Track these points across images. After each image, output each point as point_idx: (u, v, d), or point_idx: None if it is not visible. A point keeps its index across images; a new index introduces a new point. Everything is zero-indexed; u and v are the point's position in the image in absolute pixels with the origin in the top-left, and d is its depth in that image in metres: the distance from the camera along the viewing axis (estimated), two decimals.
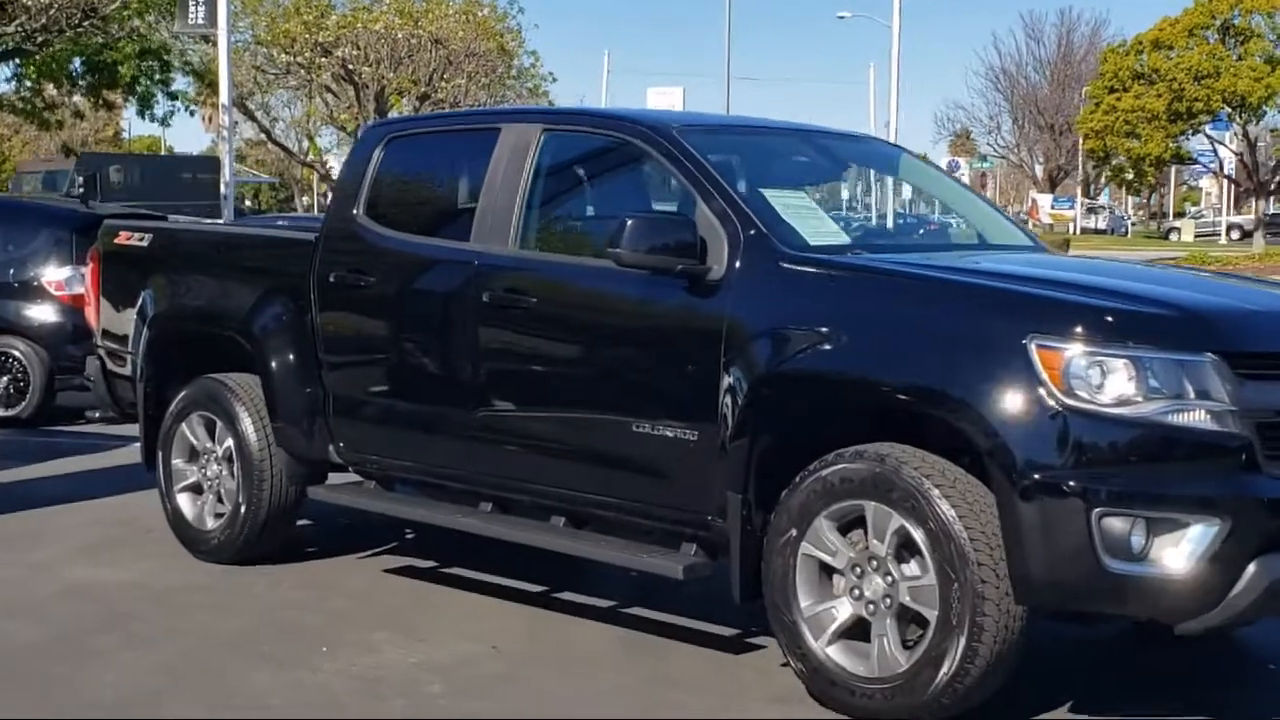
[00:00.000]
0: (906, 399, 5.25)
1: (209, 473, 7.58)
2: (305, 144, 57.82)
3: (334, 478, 7.46)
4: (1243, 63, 52.14)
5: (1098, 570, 4.82)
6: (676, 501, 5.88)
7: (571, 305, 6.29)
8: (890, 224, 11.10)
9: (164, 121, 35.93)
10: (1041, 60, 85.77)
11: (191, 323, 7.80)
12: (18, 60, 29.24)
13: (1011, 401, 4.92)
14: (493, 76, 38.31)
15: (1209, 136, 57.72)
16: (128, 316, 8.03)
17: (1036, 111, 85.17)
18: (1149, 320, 5.04)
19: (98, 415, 8.71)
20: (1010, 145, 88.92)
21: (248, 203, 62.38)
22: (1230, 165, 62.58)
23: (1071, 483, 4.83)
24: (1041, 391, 4.89)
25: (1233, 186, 68.48)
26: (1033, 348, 4.93)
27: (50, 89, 34.44)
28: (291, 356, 7.16)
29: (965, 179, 58.28)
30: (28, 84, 32.99)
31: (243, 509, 7.34)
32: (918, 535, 5.10)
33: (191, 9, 25.97)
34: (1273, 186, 56.65)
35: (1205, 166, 63.93)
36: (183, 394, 7.65)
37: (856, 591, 5.33)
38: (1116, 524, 4.82)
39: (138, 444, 8.11)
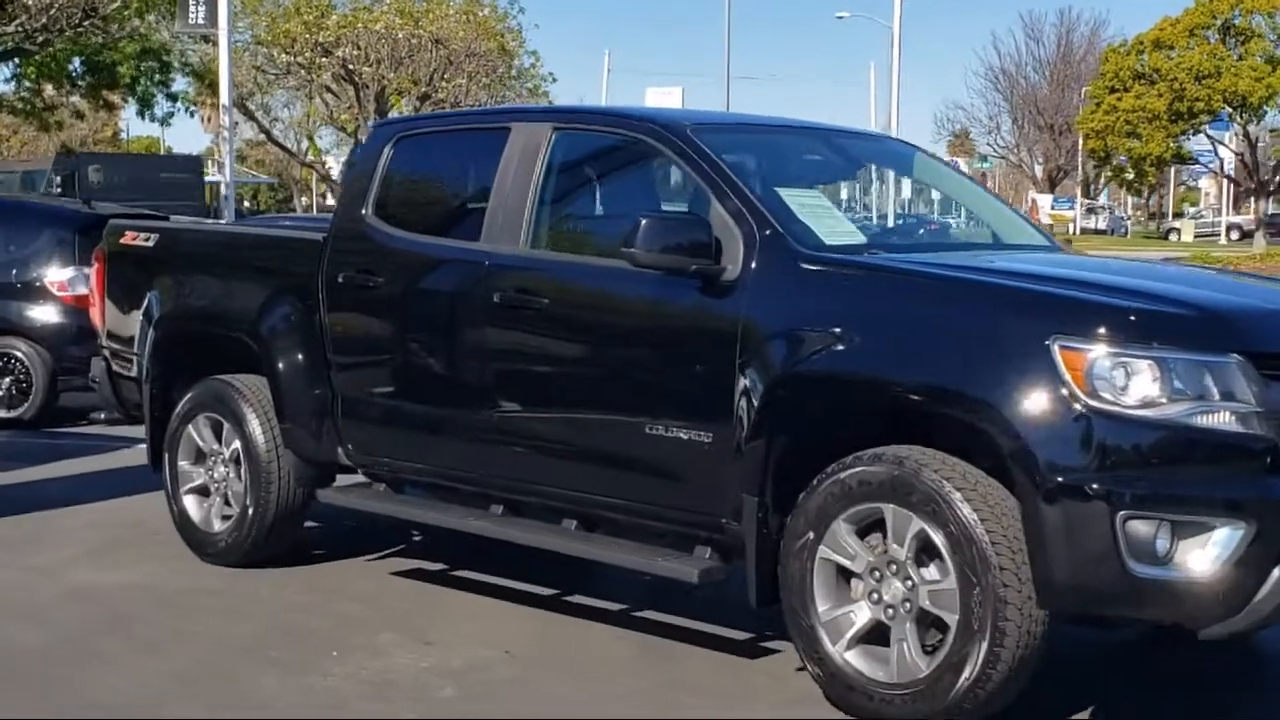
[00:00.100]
0: (926, 401, 5.19)
1: (216, 475, 7.51)
2: (305, 144, 57.74)
3: (341, 479, 7.40)
4: (1243, 62, 52.15)
5: (1122, 574, 4.76)
6: (690, 504, 5.81)
7: (584, 306, 6.22)
8: (900, 223, 11.01)
9: (164, 121, 35.79)
10: (1041, 60, 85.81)
11: (198, 323, 7.72)
12: (17, 60, 29.17)
13: (1034, 403, 4.85)
14: (493, 76, 38.23)
15: (1209, 136, 57.69)
16: (133, 317, 7.96)
17: (1036, 111, 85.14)
18: (1173, 320, 4.98)
19: (103, 417, 8.63)
20: (1010, 145, 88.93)
21: (246, 203, 62.27)
22: (1230, 165, 62.55)
23: (1095, 485, 4.76)
24: (1065, 393, 4.83)
25: (1232, 187, 68.44)
26: (1056, 348, 4.86)
27: (49, 89, 34.35)
28: (299, 357, 7.09)
29: None
30: (27, 84, 32.92)
31: (250, 511, 7.27)
32: (938, 539, 5.03)
33: (192, 9, 25.92)
34: (1273, 187, 56.61)
35: (1205, 167, 63.91)
36: (189, 395, 7.58)
37: (875, 596, 5.26)
38: (1141, 527, 4.75)
39: (142, 445, 8.05)
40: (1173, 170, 78.98)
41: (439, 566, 7.48)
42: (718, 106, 48.38)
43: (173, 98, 35.33)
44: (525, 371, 6.36)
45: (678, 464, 5.78)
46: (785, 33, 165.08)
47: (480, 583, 7.19)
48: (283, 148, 51.42)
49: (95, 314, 8.38)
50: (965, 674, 4.96)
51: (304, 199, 79.80)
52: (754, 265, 5.61)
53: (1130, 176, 60.93)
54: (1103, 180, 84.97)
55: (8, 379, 12.35)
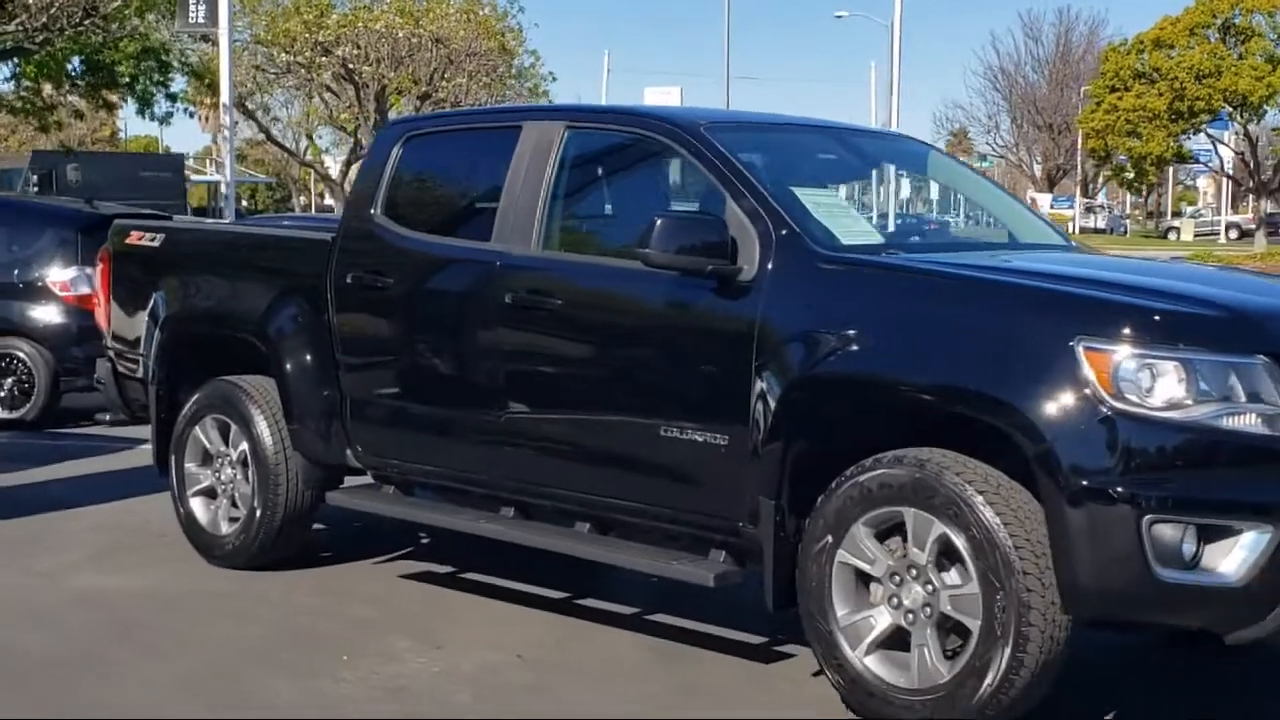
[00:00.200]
0: (947, 403, 5.12)
1: (223, 477, 7.44)
2: (304, 144, 57.64)
3: (349, 481, 7.33)
4: (1244, 62, 52.13)
5: (1148, 579, 4.69)
6: (706, 507, 5.74)
7: (597, 307, 6.14)
8: (899, 223, 10.93)
9: (164, 121, 35.71)
10: (1040, 59, 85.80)
11: (205, 324, 7.66)
12: (16, 60, 29.08)
13: (1059, 405, 4.78)
14: (493, 76, 38.16)
15: (1210, 136, 57.67)
16: (139, 318, 7.89)
17: (1035, 111, 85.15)
18: (1199, 321, 4.92)
19: (108, 418, 8.55)
20: (1009, 144, 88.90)
21: (244, 203, 62.20)
22: (1230, 165, 62.52)
23: (1121, 488, 4.69)
24: (1089, 395, 4.76)
25: (1231, 186, 68.42)
26: (1080, 350, 4.80)
27: (48, 88, 34.25)
28: (308, 358, 7.02)
29: None
30: (26, 83, 32.82)
31: (258, 513, 7.20)
32: (960, 543, 4.96)
33: (192, 8, 25.86)
34: (1274, 186, 56.59)
35: (1206, 166, 63.89)
36: (196, 397, 7.52)
37: (895, 600, 5.19)
38: (1167, 531, 4.69)
39: (146, 446, 8.01)
40: (1171, 169, 78.98)
41: (447, 569, 7.42)
42: (717, 106, 48.29)
43: (172, 98, 35.22)
44: (537, 373, 6.29)
45: (693, 467, 5.72)
46: (785, 33, 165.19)
47: (489, 585, 7.13)
48: (282, 147, 51.30)
49: (100, 315, 8.31)
50: (988, 680, 4.90)
51: (302, 198, 79.70)
52: (770, 266, 5.54)
53: (1130, 176, 60.88)
54: (1101, 179, 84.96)
55: (10, 380, 12.28)
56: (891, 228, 7.94)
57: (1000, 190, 7.49)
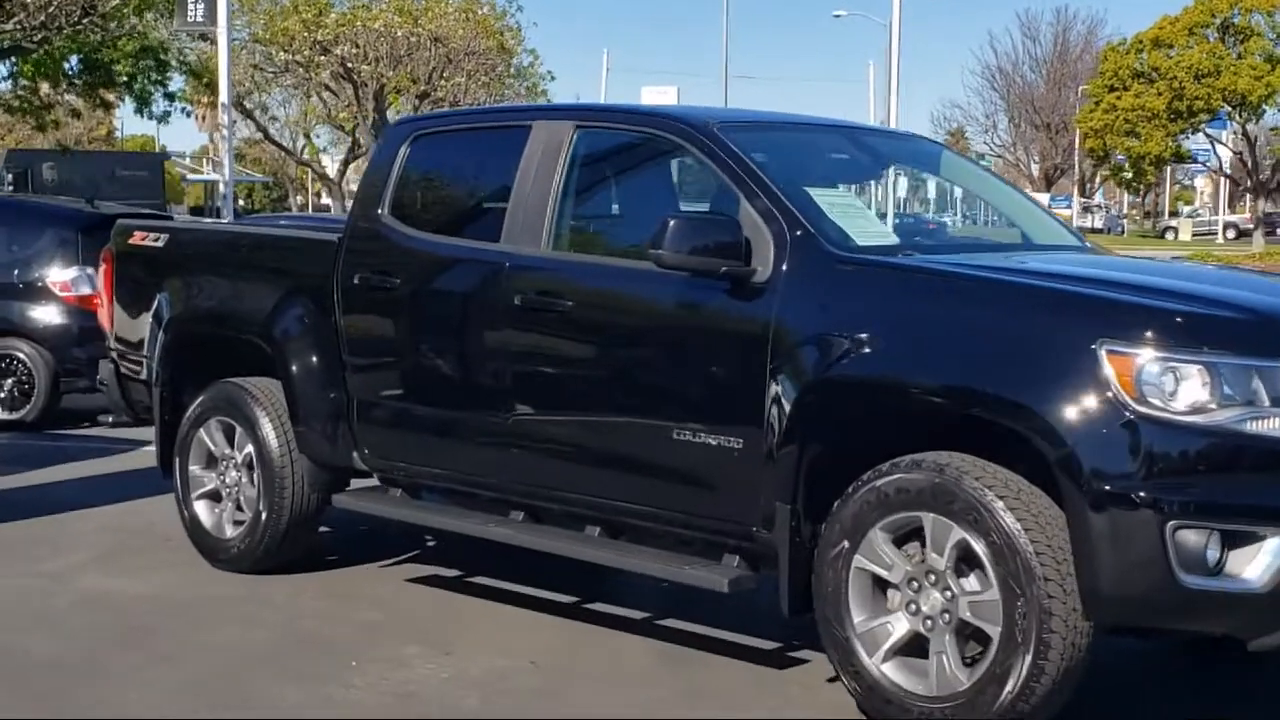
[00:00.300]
0: (965, 406, 5.05)
1: (228, 480, 7.37)
2: (301, 143, 57.55)
3: (355, 484, 7.26)
4: (1243, 61, 52.11)
5: (1172, 585, 4.63)
6: (719, 511, 5.67)
7: (608, 308, 6.07)
8: (896, 223, 10.87)
9: (163, 119, 35.59)
10: (1037, 59, 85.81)
11: (209, 326, 7.58)
12: (14, 58, 28.99)
13: (1081, 409, 4.72)
14: (492, 75, 38.07)
15: (1208, 135, 57.66)
16: (142, 319, 7.82)
17: (1033, 110, 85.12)
18: (1223, 324, 4.86)
19: (111, 420, 8.48)
20: (1006, 144, 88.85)
21: (240, 202, 62.13)
22: (1228, 164, 62.51)
23: (1144, 493, 4.63)
24: (1112, 399, 4.69)
25: (1229, 185, 68.41)
26: (1103, 353, 4.73)
27: (45, 87, 34.14)
28: (314, 360, 6.95)
29: None
30: (23, 82, 32.72)
31: (263, 517, 7.13)
32: (980, 548, 4.89)
33: (190, 7, 25.77)
34: (1272, 185, 56.59)
35: (1204, 165, 63.88)
36: (200, 399, 7.44)
37: (913, 606, 5.12)
38: (1191, 537, 4.63)
39: (148, 447, 7.94)
40: (1169, 169, 79.01)
41: (455, 573, 7.35)
42: (716, 105, 48.20)
43: (170, 97, 35.11)
44: (547, 375, 6.22)
45: (706, 470, 5.65)
46: (783, 32, 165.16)
47: (497, 589, 7.06)
48: (280, 146, 51.24)
49: (103, 316, 8.24)
50: (1008, 687, 4.83)
51: (299, 198, 79.63)
52: (785, 267, 5.48)
53: (1129, 176, 60.86)
54: (1099, 179, 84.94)
55: (10, 381, 12.20)
56: (909, 228, 7.86)
57: (1014, 190, 7.42)
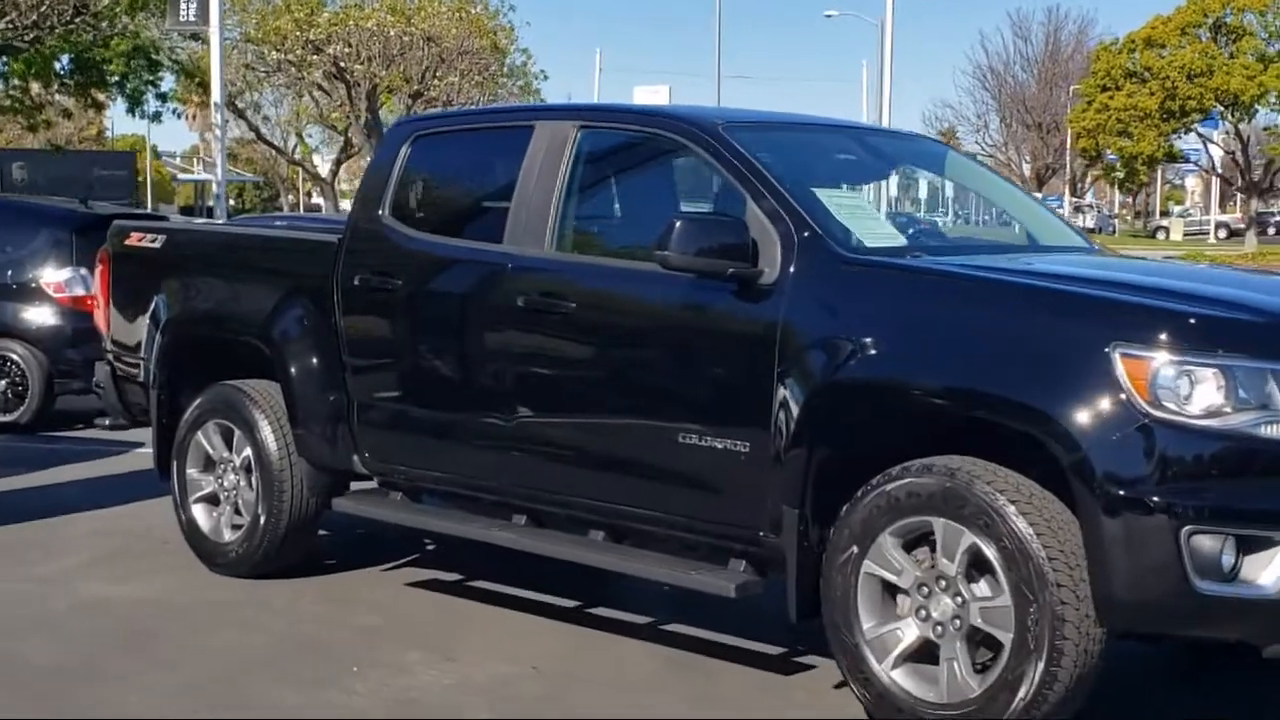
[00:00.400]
0: (976, 410, 4.99)
1: (226, 483, 7.30)
2: (293, 142, 57.42)
3: (354, 487, 7.20)
4: (1235, 61, 52.19)
5: (1186, 591, 4.57)
6: (726, 516, 5.61)
7: (612, 309, 6.01)
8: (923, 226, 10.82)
9: (155, 118, 35.43)
10: (1029, 59, 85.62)
11: (207, 327, 7.51)
12: (4, 58, 28.88)
13: (1095, 413, 4.66)
14: (485, 75, 37.98)
15: (1200, 135, 57.74)
16: (139, 321, 7.74)
17: (1024, 110, 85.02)
18: (1238, 326, 4.80)
19: (108, 423, 8.39)
20: (998, 144, 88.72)
21: (230, 202, 62.01)
22: (1219, 164, 62.58)
23: (1158, 498, 4.57)
24: (1127, 402, 4.64)
25: (1220, 185, 68.49)
26: (1116, 356, 4.68)
27: (36, 88, 34.03)
28: (314, 362, 6.88)
29: None
30: (14, 82, 32.62)
31: (262, 520, 7.06)
32: (991, 554, 4.84)
33: (183, 6, 25.62)
34: (1264, 185, 56.69)
35: (1196, 165, 63.96)
36: (198, 401, 7.37)
37: (923, 612, 5.07)
38: (1206, 542, 4.57)
39: (143, 450, 7.88)
40: (1159, 169, 79.07)
41: (455, 577, 7.29)
42: (709, 106, 48.09)
43: (162, 97, 35.02)
44: (550, 378, 6.16)
45: (712, 474, 5.59)
46: (776, 32, 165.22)
47: (498, 594, 7.00)
48: (272, 146, 51.13)
49: (100, 317, 8.15)
50: (1021, 694, 4.78)
51: (290, 197, 79.50)
52: (792, 269, 5.42)
53: (1121, 175, 60.92)
54: (1090, 179, 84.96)
55: (3, 382, 12.14)
56: (917, 229, 7.78)
57: (1020, 191, 7.37)
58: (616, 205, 6.64)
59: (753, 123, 6.38)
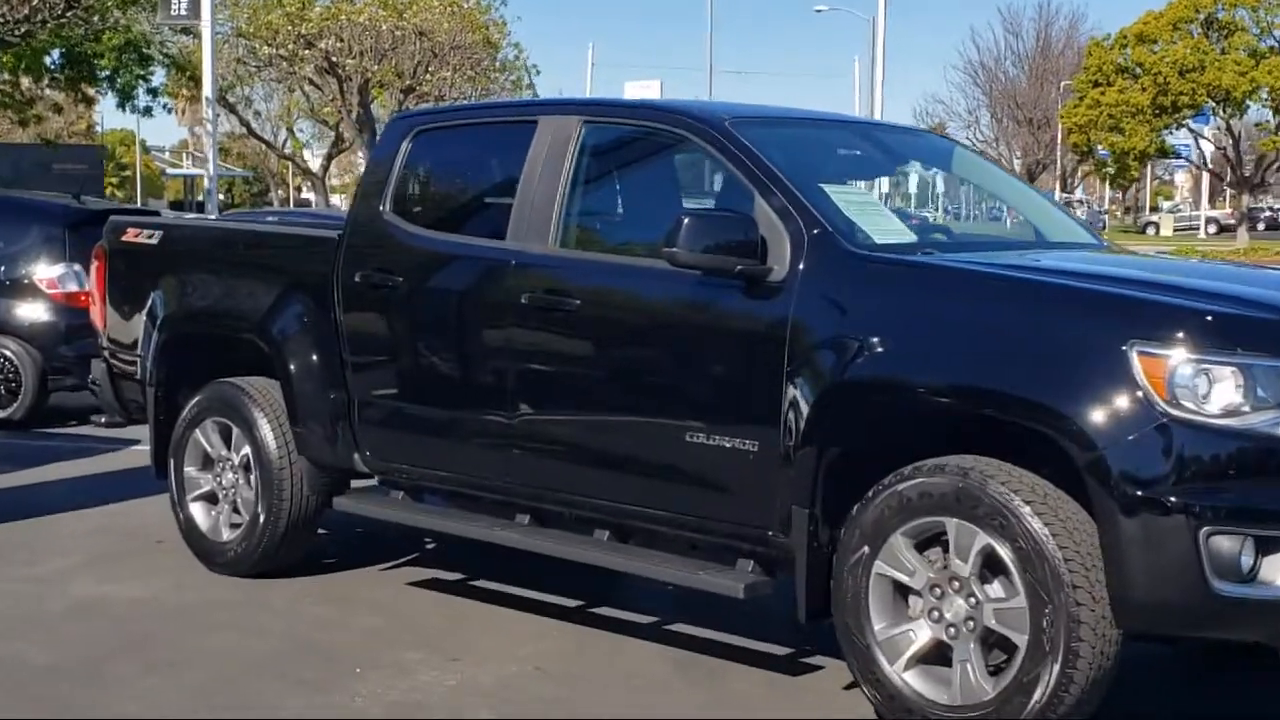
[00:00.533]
0: (989, 409, 4.92)
1: (224, 481, 7.22)
2: (284, 137, 57.22)
3: (354, 485, 7.13)
4: (1227, 56, 52.21)
5: (1205, 592, 4.51)
6: (734, 515, 5.54)
7: (618, 307, 5.93)
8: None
9: (146, 112, 35.16)
10: (1020, 54, 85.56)
11: (205, 324, 7.42)
12: None
13: (1112, 412, 4.59)
14: (478, 69, 37.83)
15: (1192, 130, 57.77)
16: (136, 318, 7.65)
17: (1014, 105, 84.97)
18: (1257, 325, 4.74)
19: (104, 420, 8.30)
20: (988, 139, 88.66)
21: (219, 197, 61.81)
22: (1210, 159, 62.62)
23: (1176, 498, 4.51)
24: (1144, 401, 4.57)
25: (1210, 181, 68.53)
26: (1134, 355, 4.61)
27: (26, 82, 33.82)
28: (314, 359, 6.80)
29: None
30: (4, 76, 32.42)
31: (261, 519, 6.99)
32: (1005, 555, 4.77)
33: (174, 0, 25.51)
34: (1255, 180, 56.75)
35: (1189, 161, 64.01)
36: (196, 399, 7.29)
37: (935, 614, 5.00)
38: (1224, 543, 4.51)
39: (137, 447, 7.80)
40: (1149, 164, 79.13)
41: (456, 576, 7.22)
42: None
43: (153, 92, 34.79)
44: (555, 376, 6.09)
45: (720, 473, 5.52)
46: (768, 27, 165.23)
47: (500, 593, 6.93)
48: (263, 140, 50.93)
49: (96, 314, 8.06)
50: (1036, 697, 4.71)
51: (280, 192, 79.30)
52: (802, 266, 5.35)
53: (1112, 171, 60.94)
54: (1078, 175, 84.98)
55: None
56: (925, 226, 7.72)
57: (1028, 187, 7.30)
58: (621, 201, 6.56)
59: (760, 118, 6.30)
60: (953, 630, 4.96)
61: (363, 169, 8.33)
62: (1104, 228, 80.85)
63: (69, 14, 23.77)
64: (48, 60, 31.13)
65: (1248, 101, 53.46)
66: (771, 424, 5.30)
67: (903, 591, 5.09)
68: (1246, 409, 4.56)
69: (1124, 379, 4.61)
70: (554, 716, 5.42)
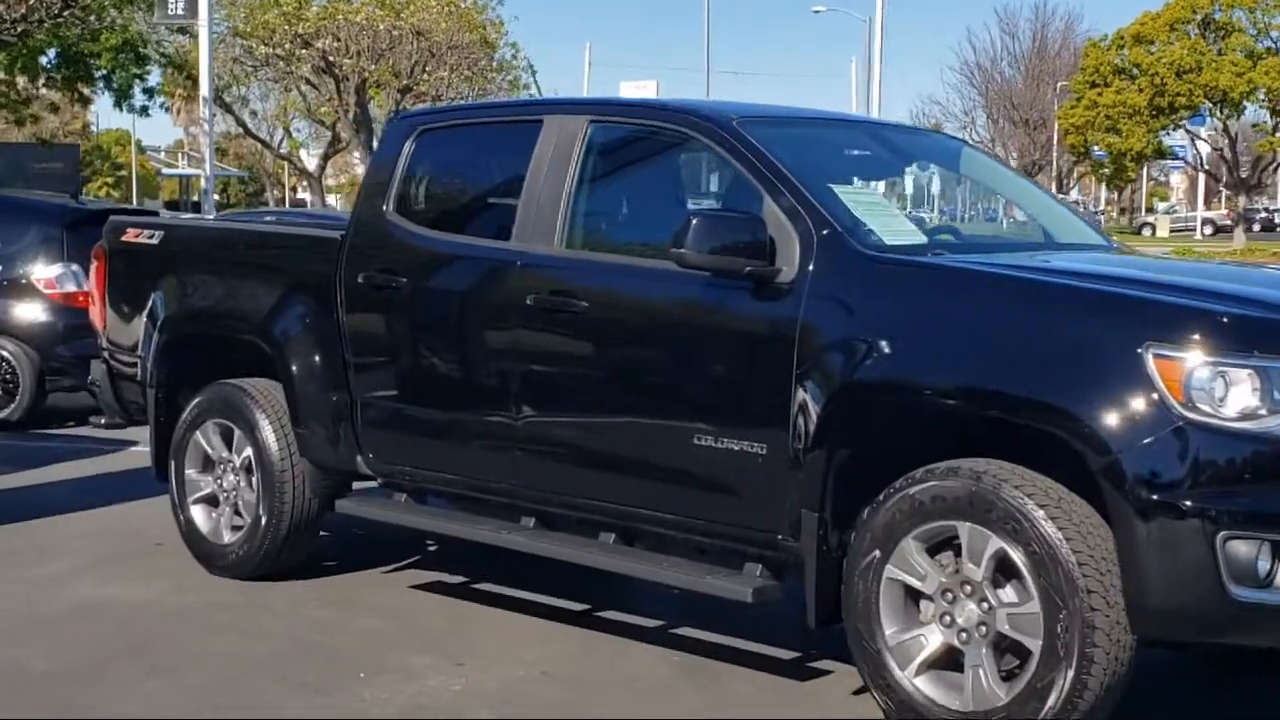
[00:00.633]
0: (1002, 412, 4.87)
1: (225, 484, 7.17)
2: (280, 137, 57.16)
3: (356, 487, 7.07)
4: (1224, 57, 52.21)
5: (1221, 597, 4.46)
6: (742, 519, 5.49)
7: (625, 308, 5.87)
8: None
9: (143, 112, 35.12)
10: (1016, 55, 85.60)
11: (206, 325, 7.37)
12: None
13: (1127, 416, 4.54)
14: (475, 69, 37.81)
15: (1189, 131, 57.78)
16: (136, 318, 7.60)
17: (1011, 106, 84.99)
18: (1274, 326, 4.69)
19: (103, 422, 8.24)
20: (984, 140, 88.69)
21: (215, 197, 61.71)
22: (1207, 160, 62.63)
23: (1193, 502, 4.46)
24: (1160, 404, 4.52)
25: (1205, 182, 68.54)
26: (1149, 357, 4.56)
27: (22, 82, 33.77)
28: (316, 361, 6.74)
29: None
30: (0, 75, 32.38)
31: (263, 522, 6.93)
32: (1019, 559, 4.72)
33: (171, 0, 25.45)
34: (1252, 182, 56.77)
35: (1186, 162, 64.02)
36: (197, 400, 7.24)
37: (947, 618, 4.95)
38: (1241, 547, 4.46)
39: (136, 448, 7.73)
40: (1145, 165, 79.15)
41: (459, 579, 7.17)
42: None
43: (149, 92, 34.76)
44: (561, 378, 6.03)
45: (728, 476, 5.47)
46: (764, 27, 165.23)
47: (504, 596, 6.88)
48: (259, 140, 50.89)
49: (95, 315, 8.00)
50: (1049, 703, 4.66)
51: (275, 192, 79.23)
52: (812, 267, 5.29)
53: (1109, 172, 60.93)
54: (1074, 175, 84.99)
55: None
56: (934, 226, 7.66)
57: (1037, 188, 7.25)
58: (628, 201, 6.50)
59: (768, 117, 6.25)
60: (965, 635, 4.91)
61: (360, 169, 8.28)
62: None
63: (66, 13, 23.72)
64: (43, 60, 31.09)
65: (1245, 102, 53.47)
66: (780, 426, 5.25)
67: (914, 596, 5.04)
68: (1263, 412, 4.52)
69: (1139, 381, 4.56)
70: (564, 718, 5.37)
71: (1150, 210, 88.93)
